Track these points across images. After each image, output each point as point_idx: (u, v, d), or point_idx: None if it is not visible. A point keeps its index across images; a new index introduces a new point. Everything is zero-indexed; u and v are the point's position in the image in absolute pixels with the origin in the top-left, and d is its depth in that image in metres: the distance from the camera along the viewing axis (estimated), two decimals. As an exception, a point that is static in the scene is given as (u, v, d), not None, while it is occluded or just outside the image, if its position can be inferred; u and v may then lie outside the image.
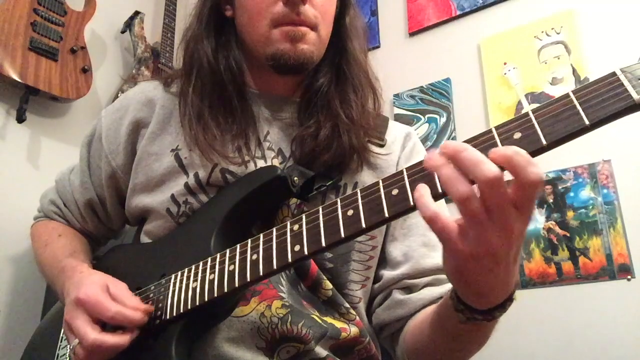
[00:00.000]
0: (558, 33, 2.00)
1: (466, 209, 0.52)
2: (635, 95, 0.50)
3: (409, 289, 0.91)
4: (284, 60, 0.90)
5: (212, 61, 0.94)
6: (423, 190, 0.54)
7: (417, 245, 0.93)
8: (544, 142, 0.53)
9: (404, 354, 0.89)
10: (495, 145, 0.55)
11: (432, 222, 0.53)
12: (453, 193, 0.52)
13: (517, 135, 0.55)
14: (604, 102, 0.51)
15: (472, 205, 0.51)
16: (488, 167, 0.50)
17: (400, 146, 1.02)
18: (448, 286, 0.85)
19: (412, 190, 0.59)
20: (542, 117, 0.54)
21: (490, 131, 0.57)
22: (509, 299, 0.63)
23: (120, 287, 0.80)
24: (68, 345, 0.78)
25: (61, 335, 0.93)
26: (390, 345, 0.95)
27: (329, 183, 0.90)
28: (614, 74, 0.53)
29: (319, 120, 0.93)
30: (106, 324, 0.76)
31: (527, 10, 2.10)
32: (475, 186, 0.52)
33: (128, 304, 0.76)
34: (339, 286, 0.90)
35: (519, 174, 0.50)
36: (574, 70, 1.93)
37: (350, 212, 0.63)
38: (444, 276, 0.90)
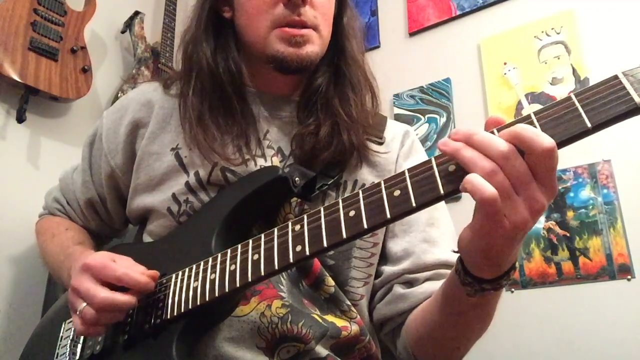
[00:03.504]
0: (558, 33, 2.00)
1: (495, 184, 0.54)
2: (637, 99, 0.50)
3: (410, 283, 0.92)
4: (286, 62, 0.91)
5: (211, 63, 0.95)
6: (472, 177, 0.55)
7: (418, 241, 0.94)
8: None
9: (407, 346, 0.89)
10: None
11: (487, 202, 0.54)
12: (479, 169, 0.54)
13: None
14: (606, 105, 0.52)
15: (499, 178, 0.54)
16: (500, 143, 0.54)
17: (399, 144, 1.02)
18: None
19: (414, 191, 0.59)
20: (544, 119, 0.55)
21: (492, 133, 0.58)
22: (513, 267, 0.66)
23: (127, 259, 0.82)
24: (73, 325, 0.78)
25: (61, 334, 0.93)
26: (391, 341, 0.95)
27: (330, 182, 0.90)
28: (616, 77, 0.53)
29: (319, 118, 0.94)
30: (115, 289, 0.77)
31: (527, 10, 2.10)
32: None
33: (135, 269, 0.78)
34: (341, 283, 0.91)
35: (530, 145, 0.53)
36: (574, 70, 1.93)
37: (352, 213, 0.63)
38: (445, 271, 0.91)
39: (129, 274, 0.76)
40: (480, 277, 0.65)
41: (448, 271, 0.91)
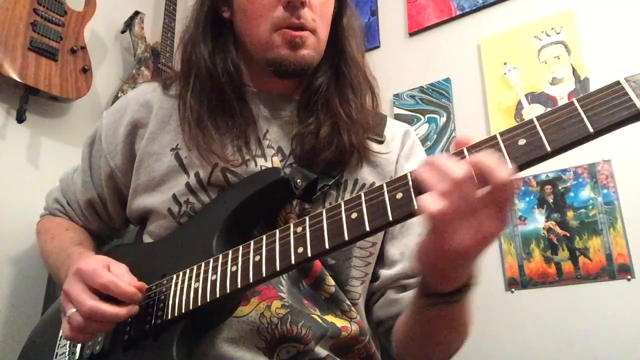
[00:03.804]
0: (558, 33, 2.00)
1: (447, 204, 0.56)
2: (639, 105, 0.51)
3: (404, 288, 0.93)
4: (284, 66, 0.91)
5: (209, 64, 0.95)
6: (424, 195, 0.58)
7: (414, 245, 0.94)
8: (549, 148, 0.54)
9: (394, 349, 0.91)
10: (499, 151, 0.57)
11: (433, 216, 0.57)
12: (434, 188, 0.57)
13: (522, 142, 0.56)
14: (608, 110, 0.52)
15: (452, 200, 0.56)
16: (457, 169, 0.56)
17: (400, 144, 1.02)
18: None
19: (416, 194, 0.60)
20: (546, 124, 0.55)
21: (494, 137, 0.58)
22: (469, 284, 0.69)
23: (121, 267, 0.81)
24: (65, 317, 0.78)
25: (60, 334, 0.93)
26: (387, 341, 0.96)
27: (331, 182, 0.91)
28: (618, 82, 0.53)
29: (319, 118, 0.94)
30: (107, 298, 0.76)
31: (527, 10, 2.10)
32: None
33: (124, 279, 0.77)
34: (341, 283, 0.91)
35: (488, 175, 0.55)
36: (574, 70, 1.93)
37: (354, 215, 0.64)
38: None
39: (116, 283, 0.75)
40: (435, 291, 0.69)
41: None
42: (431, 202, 0.56)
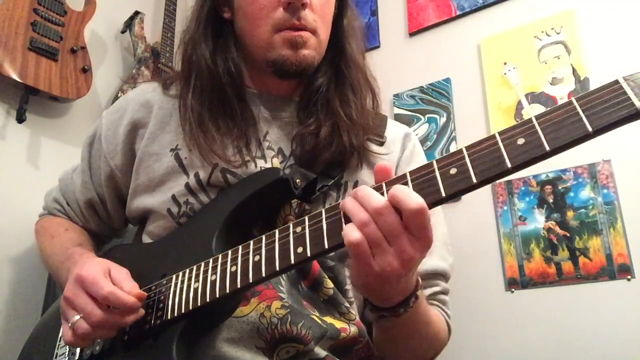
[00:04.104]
0: (558, 33, 2.00)
1: (366, 233, 0.61)
2: (638, 104, 0.51)
3: None
4: (286, 66, 0.91)
5: (210, 64, 0.95)
6: (346, 226, 0.63)
7: None
8: (547, 148, 0.54)
9: (377, 353, 0.93)
10: (498, 150, 0.57)
11: (351, 246, 0.61)
12: (354, 219, 0.62)
13: (521, 141, 0.56)
14: (607, 109, 0.52)
15: (370, 229, 0.61)
16: (376, 199, 0.61)
17: (400, 147, 1.02)
18: (429, 290, 0.92)
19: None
20: (545, 123, 0.55)
21: (493, 136, 0.58)
22: (411, 297, 0.73)
23: (121, 272, 0.81)
24: (67, 323, 0.78)
25: (60, 334, 0.93)
26: None
27: (331, 182, 0.90)
28: (616, 82, 0.53)
29: (319, 118, 0.94)
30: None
31: (527, 10, 2.10)
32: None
33: (124, 288, 0.77)
34: (340, 284, 0.91)
35: (401, 204, 0.59)
36: (574, 70, 1.93)
37: None
38: (432, 280, 0.94)
39: (115, 294, 0.75)
40: (377, 305, 0.73)
41: (435, 280, 0.93)
42: (349, 232, 0.61)
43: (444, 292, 0.95)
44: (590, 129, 0.52)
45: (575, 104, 0.54)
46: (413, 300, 0.73)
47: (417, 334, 0.83)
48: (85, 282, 0.77)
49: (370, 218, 0.61)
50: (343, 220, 0.64)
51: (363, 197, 0.62)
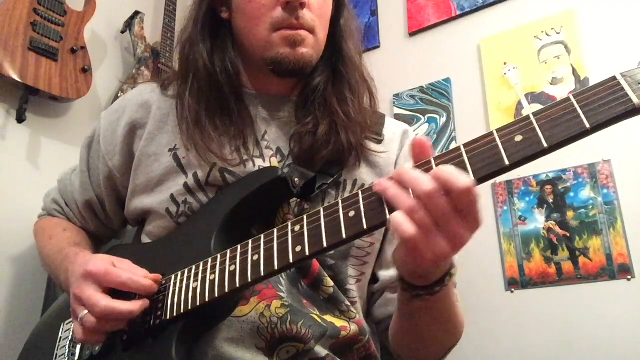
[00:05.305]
0: (558, 33, 2.00)
1: (417, 220, 0.57)
2: (635, 100, 0.51)
3: None
4: (284, 64, 0.91)
5: (208, 64, 0.95)
6: (393, 216, 0.59)
7: None
8: (545, 144, 0.54)
9: (392, 347, 0.92)
10: (496, 147, 0.57)
11: (408, 241, 0.58)
12: (400, 206, 0.58)
13: (519, 138, 0.56)
14: (604, 105, 0.52)
15: (420, 215, 0.57)
16: (425, 182, 0.57)
17: (399, 144, 1.02)
18: None
19: None
20: (543, 120, 0.55)
21: (491, 134, 0.58)
22: (447, 274, 0.71)
23: (126, 262, 0.82)
24: (72, 325, 0.79)
25: (60, 334, 0.93)
26: (386, 340, 0.96)
27: (330, 181, 0.90)
28: (614, 78, 0.53)
29: (317, 117, 0.94)
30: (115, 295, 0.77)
31: (527, 10, 2.10)
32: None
33: (137, 273, 0.78)
34: (340, 283, 0.91)
35: (449, 185, 0.56)
36: (574, 70, 1.93)
37: (351, 213, 0.64)
38: None
39: (133, 279, 0.77)
40: (414, 284, 0.70)
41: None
42: (401, 224, 0.57)
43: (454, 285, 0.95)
44: (587, 126, 0.52)
45: (573, 100, 0.54)
46: (448, 279, 0.70)
47: (445, 315, 0.82)
48: (98, 275, 0.77)
49: (418, 204, 0.57)
50: (386, 205, 0.61)
51: (411, 181, 0.58)
